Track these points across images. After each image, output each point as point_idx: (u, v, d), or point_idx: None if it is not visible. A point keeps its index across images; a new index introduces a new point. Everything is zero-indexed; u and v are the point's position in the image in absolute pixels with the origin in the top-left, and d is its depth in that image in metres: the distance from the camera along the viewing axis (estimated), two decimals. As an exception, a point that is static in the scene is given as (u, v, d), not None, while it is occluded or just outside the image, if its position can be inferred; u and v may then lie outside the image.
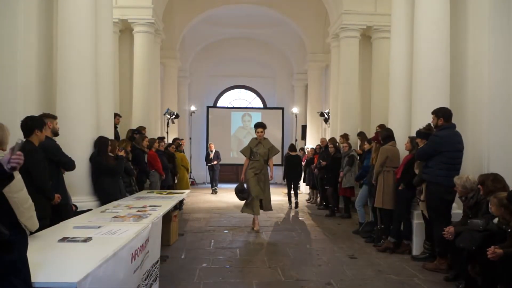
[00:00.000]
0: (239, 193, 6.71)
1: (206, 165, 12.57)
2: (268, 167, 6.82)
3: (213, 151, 12.28)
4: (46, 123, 3.72)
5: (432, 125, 4.74)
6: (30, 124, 3.42)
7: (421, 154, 4.71)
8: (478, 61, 5.10)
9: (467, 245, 3.61)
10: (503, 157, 4.78)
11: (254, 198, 6.49)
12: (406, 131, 5.62)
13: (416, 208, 5.16)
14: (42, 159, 3.53)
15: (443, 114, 4.60)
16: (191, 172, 14.30)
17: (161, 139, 8.49)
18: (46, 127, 3.68)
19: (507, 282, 3.23)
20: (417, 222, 5.08)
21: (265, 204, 6.72)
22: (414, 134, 5.29)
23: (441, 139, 4.53)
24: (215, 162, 12.16)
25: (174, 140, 9.61)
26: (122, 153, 5.38)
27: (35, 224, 2.64)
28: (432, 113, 4.66)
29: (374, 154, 6.05)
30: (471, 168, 4.70)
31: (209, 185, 12.91)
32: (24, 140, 1.81)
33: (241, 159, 6.52)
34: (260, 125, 6.77)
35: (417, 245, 5.08)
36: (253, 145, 6.73)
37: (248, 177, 6.61)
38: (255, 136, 6.83)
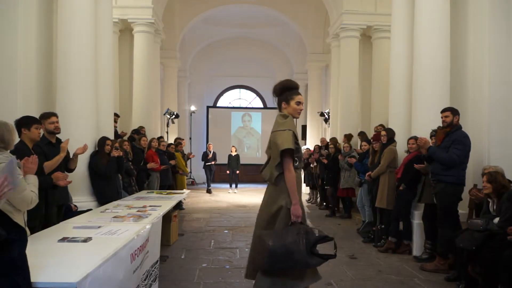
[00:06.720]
0: (296, 260, 2.55)
1: (204, 164, 12.56)
2: None
3: (211, 152, 12.47)
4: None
5: (446, 123, 4.43)
6: (17, 123, 3.41)
7: (458, 159, 4.27)
8: (478, 60, 5.11)
9: (467, 245, 3.61)
10: (503, 154, 4.79)
11: None
12: (406, 131, 5.62)
13: (417, 208, 5.16)
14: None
15: (457, 112, 4.43)
16: (191, 172, 14.29)
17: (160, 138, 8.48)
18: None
19: (508, 282, 3.23)
20: (417, 222, 5.07)
21: None
22: (414, 134, 5.29)
23: (469, 139, 4.37)
24: (213, 162, 12.45)
25: (176, 140, 9.61)
26: (115, 153, 5.20)
27: (28, 196, 2.52)
28: (446, 110, 4.44)
29: (372, 157, 6.04)
30: (471, 164, 4.70)
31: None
32: (12, 158, 1.82)
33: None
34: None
35: (417, 245, 5.07)
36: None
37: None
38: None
